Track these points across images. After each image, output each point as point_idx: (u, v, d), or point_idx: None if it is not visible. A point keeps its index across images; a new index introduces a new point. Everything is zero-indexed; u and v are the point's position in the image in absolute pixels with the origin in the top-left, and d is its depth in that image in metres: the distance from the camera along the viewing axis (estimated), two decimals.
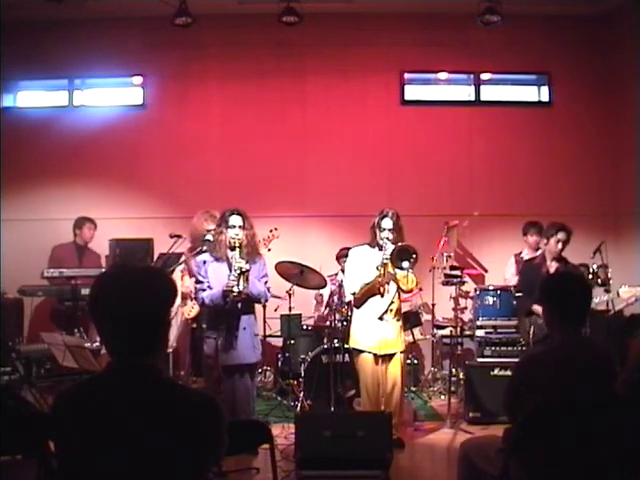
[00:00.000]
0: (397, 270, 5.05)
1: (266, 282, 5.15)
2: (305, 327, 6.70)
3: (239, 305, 4.93)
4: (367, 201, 7.39)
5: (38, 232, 7.38)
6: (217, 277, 4.94)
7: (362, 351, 5.20)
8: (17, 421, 2.89)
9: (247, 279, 4.85)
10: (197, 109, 7.98)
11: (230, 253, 4.91)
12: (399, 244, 5.03)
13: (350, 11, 7.79)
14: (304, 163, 7.96)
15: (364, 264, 5.16)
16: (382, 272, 5.07)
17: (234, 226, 4.95)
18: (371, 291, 5.17)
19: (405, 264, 4.98)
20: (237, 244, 4.89)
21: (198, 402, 1.92)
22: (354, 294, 5.23)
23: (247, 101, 7.97)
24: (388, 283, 5.16)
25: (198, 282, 5.12)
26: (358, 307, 5.28)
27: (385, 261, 5.03)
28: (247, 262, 4.87)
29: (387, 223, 5.09)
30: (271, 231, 5.26)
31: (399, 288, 5.20)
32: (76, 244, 7.21)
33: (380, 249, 5.11)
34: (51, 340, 5.13)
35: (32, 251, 7.13)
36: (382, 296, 5.16)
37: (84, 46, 7.67)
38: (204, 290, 5.00)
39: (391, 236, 5.07)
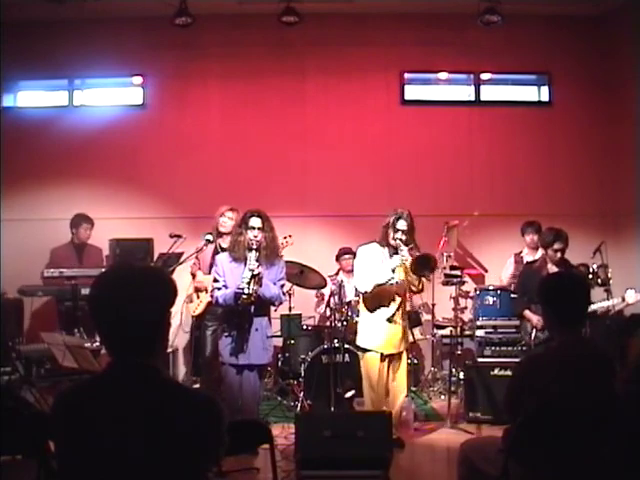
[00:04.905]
0: (414, 276, 5.09)
1: (282, 285, 5.16)
2: (305, 327, 6.70)
3: (252, 307, 4.96)
4: (367, 201, 7.40)
5: (38, 232, 7.36)
6: (234, 277, 4.94)
7: (369, 350, 5.20)
8: (17, 421, 2.89)
9: (259, 282, 4.85)
10: (197, 109, 7.97)
11: (248, 254, 4.91)
12: (421, 253, 5.08)
13: (350, 11, 7.78)
14: (304, 163, 7.94)
15: (374, 262, 5.15)
16: (400, 279, 5.09)
17: (253, 228, 4.94)
18: (382, 295, 5.15)
19: (426, 272, 5.08)
20: (255, 246, 4.89)
21: (198, 402, 1.92)
22: (365, 293, 5.20)
23: (247, 101, 7.96)
24: (405, 291, 5.21)
25: (215, 280, 5.16)
26: (372, 311, 5.22)
27: (402, 264, 5.03)
28: (262, 265, 4.88)
29: (402, 224, 5.08)
30: (285, 238, 5.28)
31: (409, 289, 5.24)
32: (74, 243, 7.14)
33: (390, 248, 5.13)
34: (51, 340, 5.12)
35: (32, 251, 7.11)
36: (388, 305, 5.16)
37: (84, 46, 7.65)
38: (219, 289, 5.03)
39: (404, 237, 5.08)
